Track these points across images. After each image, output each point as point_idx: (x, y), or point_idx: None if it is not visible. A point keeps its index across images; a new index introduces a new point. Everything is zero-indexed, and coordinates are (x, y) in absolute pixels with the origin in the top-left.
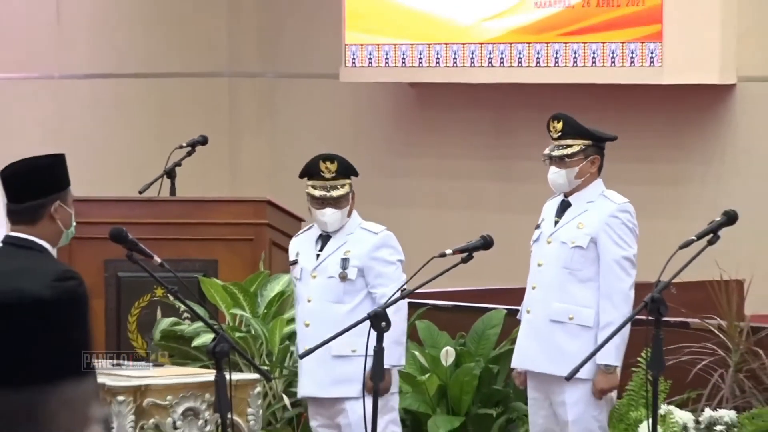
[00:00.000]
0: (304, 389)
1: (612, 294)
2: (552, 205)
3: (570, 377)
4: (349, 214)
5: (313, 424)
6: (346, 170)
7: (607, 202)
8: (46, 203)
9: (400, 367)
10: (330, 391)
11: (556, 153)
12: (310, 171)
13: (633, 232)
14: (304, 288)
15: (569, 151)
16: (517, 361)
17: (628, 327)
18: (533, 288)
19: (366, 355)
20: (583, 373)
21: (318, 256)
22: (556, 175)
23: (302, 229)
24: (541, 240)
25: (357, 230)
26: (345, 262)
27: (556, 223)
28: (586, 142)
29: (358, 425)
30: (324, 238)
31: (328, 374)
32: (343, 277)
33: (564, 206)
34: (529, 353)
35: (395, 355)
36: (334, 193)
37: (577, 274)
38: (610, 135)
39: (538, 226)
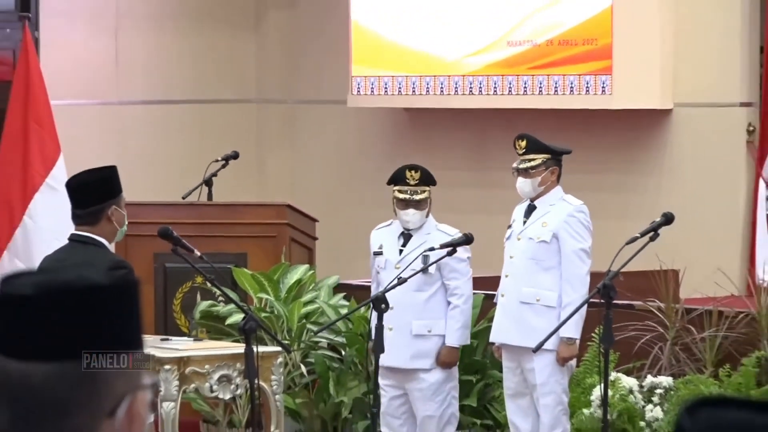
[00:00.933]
0: (388, 361)
1: (571, 279)
2: (520, 208)
3: (537, 349)
4: (427, 216)
5: (383, 382)
6: (426, 179)
7: (565, 205)
8: (104, 208)
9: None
10: (409, 363)
11: (522, 166)
12: (397, 178)
13: (588, 229)
14: (388, 276)
15: (532, 164)
16: (494, 337)
17: (585, 306)
18: (506, 276)
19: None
20: (548, 345)
21: (401, 251)
22: (522, 184)
23: (382, 224)
24: (513, 237)
25: (434, 231)
26: (426, 258)
27: (524, 223)
28: (546, 155)
29: (429, 389)
30: (406, 236)
31: (408, 350)
32: (424, 271)
33: (530, 209)
34: (504, 330)
35: (463, 337)
36: (416, 197)
37: (541, 264)
38: (566, 149)
39: (509, 226)
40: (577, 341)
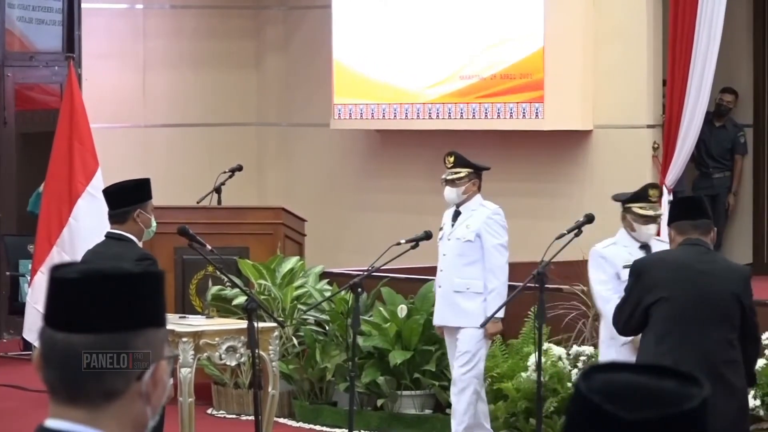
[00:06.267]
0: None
1: (494, 269)
2: (448, 214)
3: (482, 325)
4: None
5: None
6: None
7: (484, 209)
8: (130, 210)
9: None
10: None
11: (449, 177)
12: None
13: (504, 227)
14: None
15: (458, 176)
16: (436, 321)
17: (506, 290)
18: (441, 270)
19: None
20: (475, 323)
21: (453, 224)
22: (449, 192)
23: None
24: (444, 238)
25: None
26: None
27: (452, 226)
28: (469, 170)
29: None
30: (456, 213)
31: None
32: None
33: (456, 214)
34: (442, 314)
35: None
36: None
37: (467, 259)
38: (486, 166)
39: (441, 229)
40: (501, 320)
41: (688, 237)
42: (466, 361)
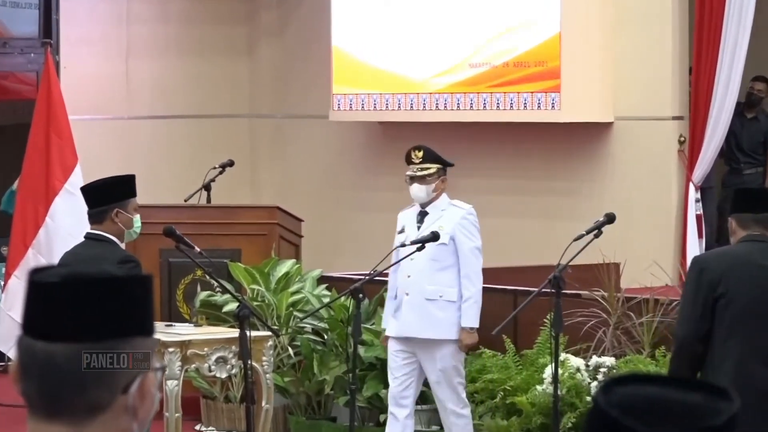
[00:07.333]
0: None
1: (470, 274)
2: (409, 215)
3: (497, 333)
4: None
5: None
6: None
7: (457, 209)
8: (108, 209)
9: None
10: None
11: (419, 174)
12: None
13: (478, 229)
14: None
15: (428, 172)
16: (402, 331)
17: (481, 298)
18: (408, 277)
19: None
20: (452, 335)
21: (419, 227)
22: (418, 190)
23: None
24: (408, 242)
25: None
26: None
27: (419, 228)
28: (438, 165)
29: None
30: (422, 214)
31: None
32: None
33: (422, 215)
34: (411, 324)
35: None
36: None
37: (440, 264)
38: (451, 162)
39: (400, 232)
40: (476, 330)
41: (750, 233)
42: (444, 377)
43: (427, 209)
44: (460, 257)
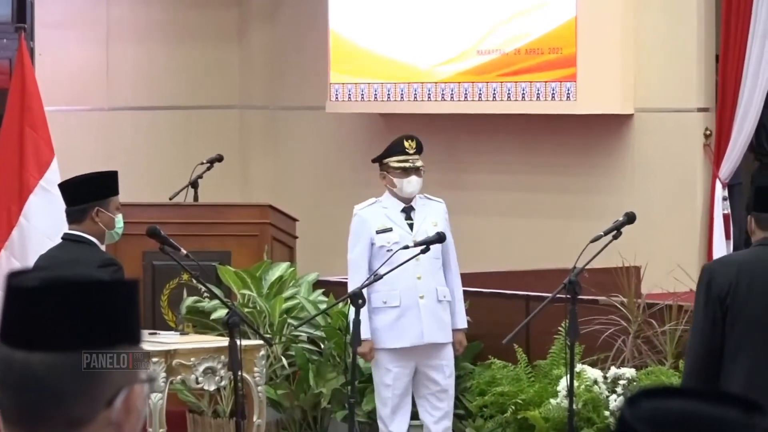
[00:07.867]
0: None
1: (457, 271)
2: (382, 212)
3: (508, 342)
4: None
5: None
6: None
7: (434, 202)
8: (87, 208)
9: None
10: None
11: (417, 164)
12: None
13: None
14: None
15: (422, 164)
16: (426, 338)
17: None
18: (419, 278)
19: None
20: (447, 338)
21: (411, 225)
22: (416, 182)
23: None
24: (404, 241)
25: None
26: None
27: (411, 226)
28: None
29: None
30: (407, 210)
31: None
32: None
33: (406, 211)
34: (432, 330)
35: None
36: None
37: (440, 262)
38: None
39: (385, 231)
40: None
41: (766, 236)
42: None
43: (413, 204)
44: (449, 252)
